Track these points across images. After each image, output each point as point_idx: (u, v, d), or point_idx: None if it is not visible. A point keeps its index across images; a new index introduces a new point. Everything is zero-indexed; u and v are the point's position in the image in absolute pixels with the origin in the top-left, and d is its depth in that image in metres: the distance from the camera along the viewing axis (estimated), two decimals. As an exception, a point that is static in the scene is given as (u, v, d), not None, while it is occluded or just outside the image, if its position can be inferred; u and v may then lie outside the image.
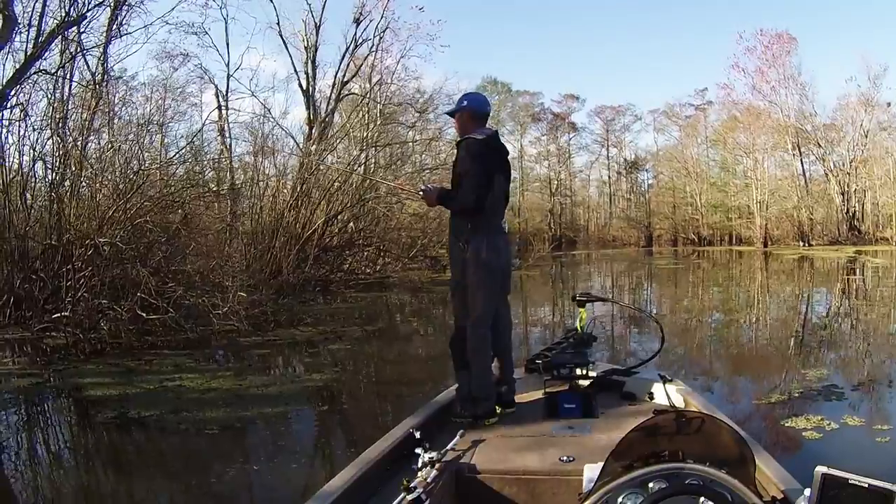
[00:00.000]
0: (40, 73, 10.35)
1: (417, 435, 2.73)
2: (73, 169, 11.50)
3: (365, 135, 23.08)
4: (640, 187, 63.55)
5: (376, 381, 8.02)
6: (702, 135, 54.78)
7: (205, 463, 4.93)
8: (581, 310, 4.16)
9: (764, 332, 11.09)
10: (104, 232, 10.03)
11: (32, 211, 11.22)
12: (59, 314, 9.49)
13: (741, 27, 59.43)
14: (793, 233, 44.08)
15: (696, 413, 2.15)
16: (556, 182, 60.42)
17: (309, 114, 25.18)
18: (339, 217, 19.22)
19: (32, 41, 9.83)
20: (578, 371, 3.80)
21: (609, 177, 63.00)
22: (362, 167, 22.25)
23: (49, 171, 11.80)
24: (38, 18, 10.02)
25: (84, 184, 11.54)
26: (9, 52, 9.74)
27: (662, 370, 3.97)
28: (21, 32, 9.77)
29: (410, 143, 25.91)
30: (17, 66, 9.54)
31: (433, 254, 22.53)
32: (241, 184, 20.10)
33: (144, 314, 9.53)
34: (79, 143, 12.16)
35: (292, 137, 24.18)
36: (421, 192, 3.76)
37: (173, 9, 15.68)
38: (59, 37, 10.86)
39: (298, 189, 18.32)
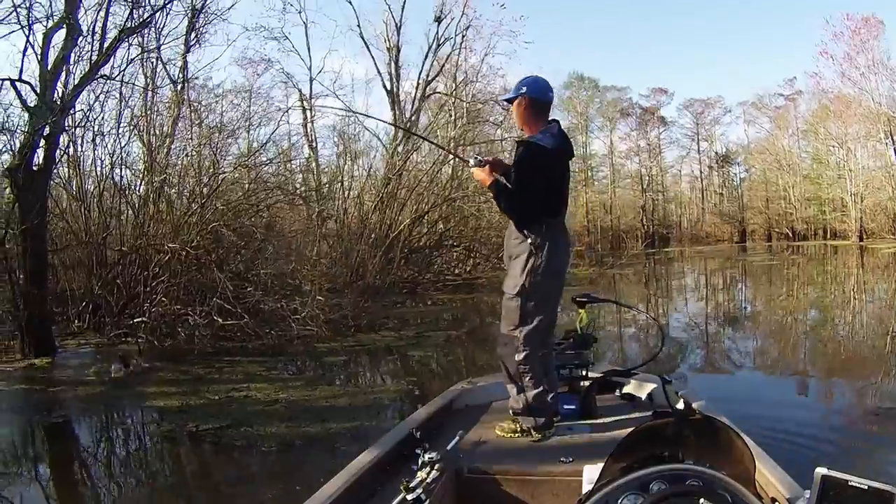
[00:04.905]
0: (105, 79, 10.30)
1: (418, 435, 2.69)
2: (156, 175, 11.45)
3: (451, 134, 22.54)
4: (733, 181, 61.44)
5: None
6: (792, 126, 52.38)
7: (249, 483, 4.50)
8: (581, 311, 3.96)
9: (869, 335, 10.20)
10: (178, 238, 9.82)
11: (110, 218, 11.16)
12: (136, 320, 9.32)
13: (827, 12, 55.77)
14: (888, 225, 41.68)
15: (697, 414, 2.19)
16: (647, 178, 58.86)
17: (394, 114, 24.87)
18: (426, 217, 18.73)
19: (97, 50, 9.77)
20: (578, 372, 3.71)
21: (700, 171, 61.24)
22: (449, 166, 21.79)
23: (129, 178, 11.85)
24: (101, 26, 10.01)
25: (164, 189, 11.47)
26: (76, 60, 9.73)
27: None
28: (86, 41, 9.79)
29: (498, 141, 25.13)
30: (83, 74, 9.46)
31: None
32: (326, 185, 19.99)
33: (220, 319, 9.22)
34: (160, 149, 12.17)
35: (378, 138, 23.99)
36: (473, 167, 3.28)
37: (231, 7, 15.57)
38: (129, 45, 10.84)
39: (384, 190, 17.97)
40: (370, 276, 15.27)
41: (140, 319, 9.30)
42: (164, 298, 9.53)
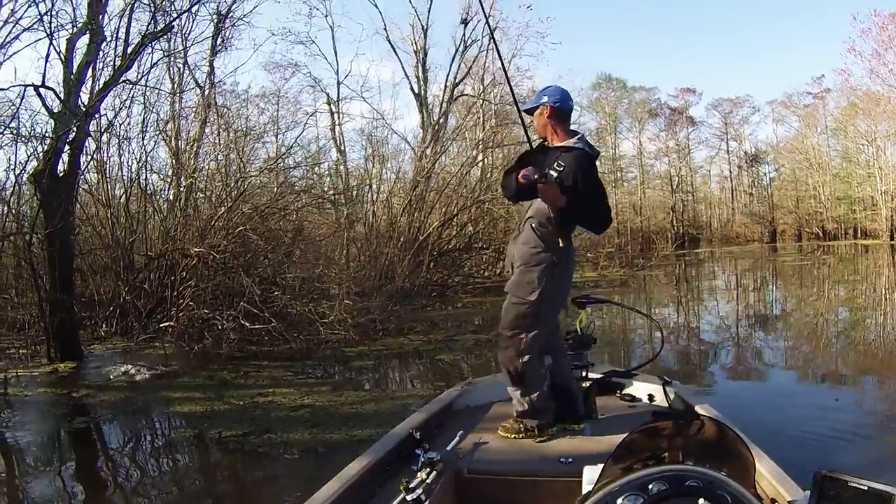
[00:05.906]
0: (130, 84, 10.30)
1: (417, 435, 2.70)
2: (185, 180, 11.44)
3: (480, 136, 22.34)
4: (762, 181, 60.69)
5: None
6: (821, 124, 51.71)
7: (269, 492, 4.37)
8: (581, 311, 3.93)
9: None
10: (205, 242, 9.75)
11: (137, 223, 11.15)
12: (163, 324, 9.27)
13: (855, 9, 54.76)
14: (920, 224, 40.90)
15: (696, 415, 2.23)
16: (676, 178, 58.27)
17: (422, 117, 24.71)
18: (455, 220, 18.55)
19: (120, 56, 9.78)
20: (578, 372, 3.69)
21: (730, 171, 60.58)
22: (478, 168, 21.57)
23: (156, 183, 11.86)
24: (124, 32, 10.05)
25: (191, 194, 11.45)
26: (102, 66, 9.74)
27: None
28: (110, 47, 9.82)
29: (527, 143, 24.84)
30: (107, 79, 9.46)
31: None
32: (354, 188, 19.93)
33: (248, 324, 9.11)
34: (187, 154, 12.17)
35: (406, 141, 23.88)
36: (544, 181, 3.06)
37: (253, 10, 15.60)
38: (152, 50, 10.86)
39: (412, 193, 17.84)
40: (399, 279, 15.13)
41: (168, 324, 9.25)
42: (191, 303, 9.48)
